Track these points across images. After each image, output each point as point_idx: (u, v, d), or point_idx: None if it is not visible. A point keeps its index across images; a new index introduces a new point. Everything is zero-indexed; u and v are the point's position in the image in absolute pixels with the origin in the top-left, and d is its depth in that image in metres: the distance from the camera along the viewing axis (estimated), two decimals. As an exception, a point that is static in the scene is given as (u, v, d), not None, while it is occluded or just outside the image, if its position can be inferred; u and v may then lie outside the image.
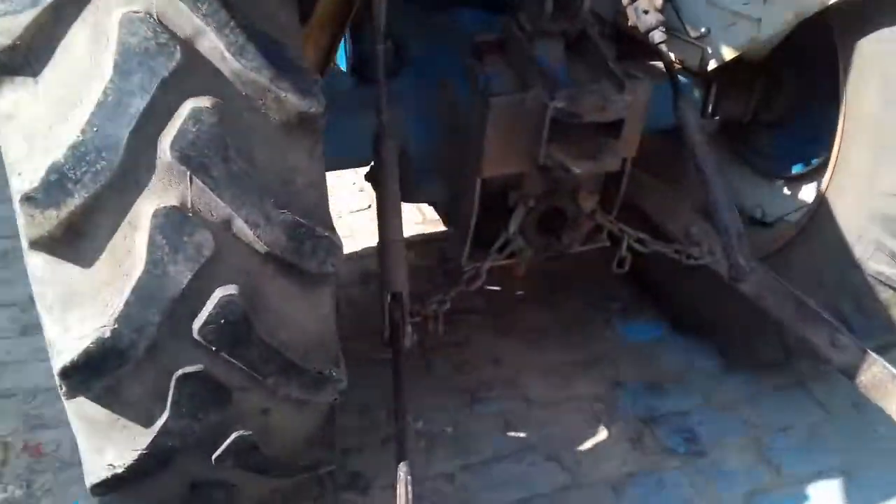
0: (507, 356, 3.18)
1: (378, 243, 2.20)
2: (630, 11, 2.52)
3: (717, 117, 2.88)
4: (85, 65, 1.39)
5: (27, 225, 1.39)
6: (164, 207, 1.41)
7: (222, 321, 1.49)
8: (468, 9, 2.76)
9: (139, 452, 1.61)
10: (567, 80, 2.33)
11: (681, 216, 2.66)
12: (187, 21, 1.39)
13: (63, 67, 1.40)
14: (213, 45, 1.41)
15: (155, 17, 1.38)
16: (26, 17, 1.36)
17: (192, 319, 1.49)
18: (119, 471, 1.63)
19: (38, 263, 1.47)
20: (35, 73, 1.41)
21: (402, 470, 1.82)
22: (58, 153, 1.36)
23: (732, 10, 2.52)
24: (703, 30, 2.71)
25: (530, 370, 3.11)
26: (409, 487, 1.80)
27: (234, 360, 1.54)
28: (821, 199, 2.56)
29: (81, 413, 1.62)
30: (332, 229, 1.61)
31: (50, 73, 1.41)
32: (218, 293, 1.48)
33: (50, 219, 1.39)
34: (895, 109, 2.30)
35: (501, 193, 2.48)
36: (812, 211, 2.61)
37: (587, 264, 3.67)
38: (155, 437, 1.60)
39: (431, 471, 2.67)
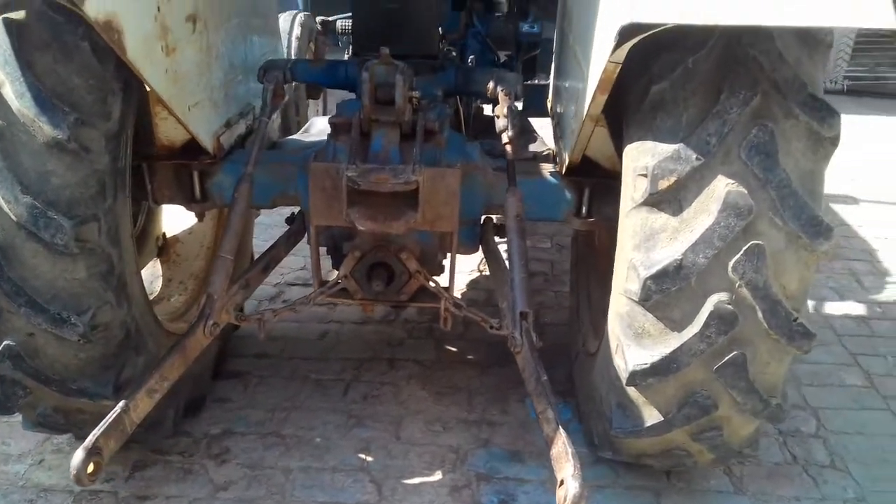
0: (413, 402, 3.64)
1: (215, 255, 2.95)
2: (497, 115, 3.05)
3: (593, 218, 3.17)
4: None
5: None
6: (-41, 183, 2.36)
7: (-20, 259, 2.39)
8: None
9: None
10: (394, 160, 2.92)
11: (500, 291, 3.01)
12: None
13: None
14: (8, 90, 2.34)
15: None
16: None
17: (-31, 255, 2.40)
18: None
19: None
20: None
21: (120, 405, 2.48)
22: None
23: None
24: (550, 139, 3.10)
25: (420, 416, 3.54)
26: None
27: (-7, 289, 2.42)
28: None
29: None
30: (71, 217, 2.40)
31: None
32: (-18, 240, 2.39)
33: None
34: (624, 221, 2.52)
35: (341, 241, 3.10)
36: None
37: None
38: None
39: (279, 464, 3.25)
